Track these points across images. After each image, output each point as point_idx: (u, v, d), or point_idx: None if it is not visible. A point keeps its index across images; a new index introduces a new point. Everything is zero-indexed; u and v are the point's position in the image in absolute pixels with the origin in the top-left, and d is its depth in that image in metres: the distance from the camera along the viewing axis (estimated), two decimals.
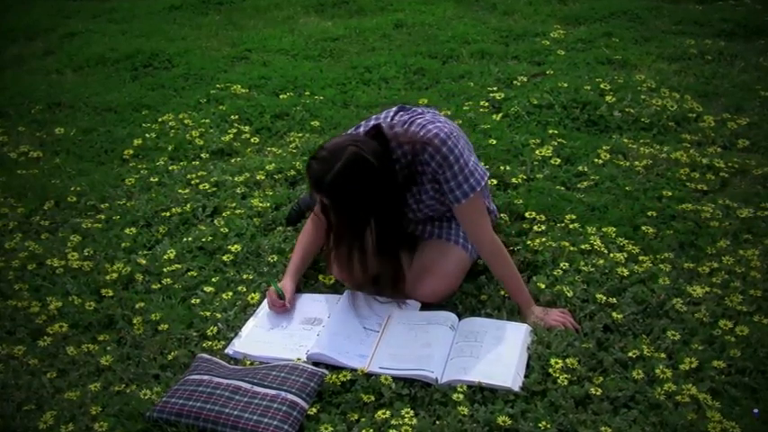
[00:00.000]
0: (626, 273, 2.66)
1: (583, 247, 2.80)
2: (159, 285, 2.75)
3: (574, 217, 3.00)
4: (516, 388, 2.21)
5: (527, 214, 3.02)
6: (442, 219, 2.72)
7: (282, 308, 2.55)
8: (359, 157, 2.29)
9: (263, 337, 2.48)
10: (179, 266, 2.84)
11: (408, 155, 2.46)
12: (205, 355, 2.39)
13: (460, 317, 2.52)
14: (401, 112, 2.55)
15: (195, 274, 2.80)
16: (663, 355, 2.33)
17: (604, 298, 2.54)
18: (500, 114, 3.89)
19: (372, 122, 2.52)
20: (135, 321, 2.57)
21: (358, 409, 2.20)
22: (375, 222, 2.40)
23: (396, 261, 2.51)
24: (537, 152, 3.48)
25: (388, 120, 2.52)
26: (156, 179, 3.46)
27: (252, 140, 3.79)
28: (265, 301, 2.62)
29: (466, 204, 2.46)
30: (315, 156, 2.33)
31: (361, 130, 2.50)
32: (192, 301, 2.66)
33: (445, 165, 2.42)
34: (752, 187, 3.23)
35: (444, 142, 2.40)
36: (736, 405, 2.18)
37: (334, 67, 4.67)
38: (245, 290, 2.70)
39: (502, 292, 2.60)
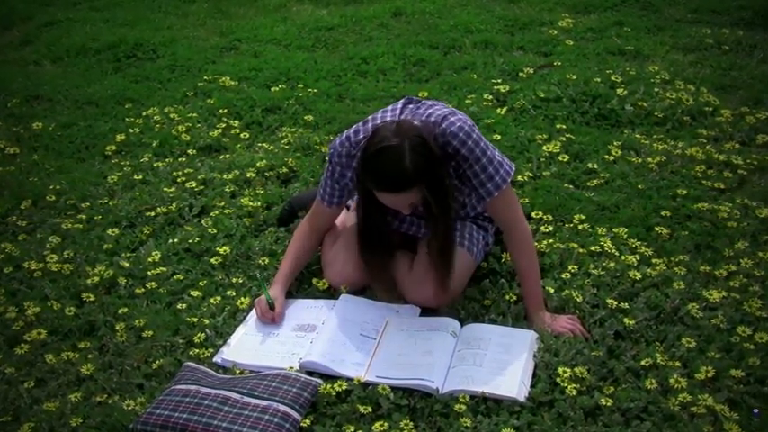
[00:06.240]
0: (638, 276, 2.66)
1: (592, 248, 2.81)
2: (143, 289, 2.75)
3: (583, 217, 3.00)
4: (522, 398, 2.21)
5: (533, 214, 3.02)
6: None
7: (272, 320, 2.55)
8: (421, 137, 2.32)
9: (253, 344, 2.48)
10: (164, 269, 2.84)
11: None
12: (192, 364, 2.39)
13: (462, 323, 2.51)
14: (411, 105, 2.54)
15: (181, 278, 2.80)
16: (677, 364, 2.33)
17: (615, 303, 2.54)
18: (505, 108, 3.89)
19: (380, 117, 2.49)
20: (118, 328, 2.57)
21: (354, 420, 2.20)
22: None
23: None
24: (544, 148, 3.49)
25: (397, 112, 2.51)
26: (140, 177, 3.46)
27: (242, 136, 3.79)
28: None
29: (499, 197, 2.48)
30: (372, 164, 2.32)
31: (369, 126, 2.48)
32: (178, 307, 2.65)
33: (471, 159, 2.43)
34: None
35: (469, 136, 2.41)
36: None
37: (329, 58, 4.67)
38: (234, 294, 2.70)
39: (506, 297, 2.60)
